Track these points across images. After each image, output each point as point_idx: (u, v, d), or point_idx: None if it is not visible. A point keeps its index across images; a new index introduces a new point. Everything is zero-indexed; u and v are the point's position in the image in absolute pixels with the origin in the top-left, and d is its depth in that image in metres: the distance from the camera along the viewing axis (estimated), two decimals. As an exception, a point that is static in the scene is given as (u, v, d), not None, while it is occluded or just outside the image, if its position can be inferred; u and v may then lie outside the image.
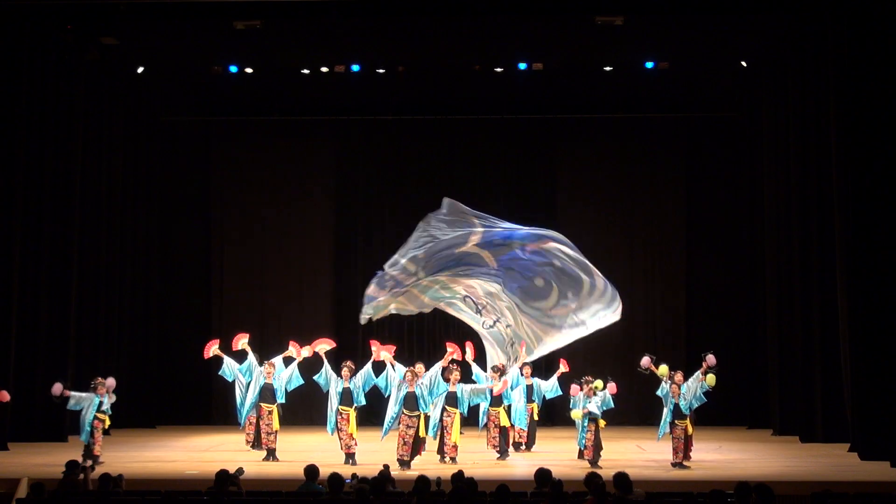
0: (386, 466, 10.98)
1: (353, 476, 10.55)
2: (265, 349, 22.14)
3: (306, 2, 16.92)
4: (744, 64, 19.97)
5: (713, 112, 21.83)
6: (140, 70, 20.11)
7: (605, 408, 14.83)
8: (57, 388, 14.76)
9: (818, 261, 17.47)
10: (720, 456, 15.57)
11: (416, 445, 14.48)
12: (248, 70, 20.37)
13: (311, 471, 10.59)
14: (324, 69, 20.29)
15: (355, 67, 20.24)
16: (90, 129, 18.96)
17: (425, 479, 10.01)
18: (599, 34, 18.05)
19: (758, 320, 20.48)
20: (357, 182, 22.51)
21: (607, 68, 20.27)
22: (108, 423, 14.99)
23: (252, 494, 10.42)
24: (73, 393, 14.79)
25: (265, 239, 22.56)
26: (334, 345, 15.83)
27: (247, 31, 17.56)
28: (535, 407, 16.33)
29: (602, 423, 14.76)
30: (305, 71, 20.44)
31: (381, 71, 20.47)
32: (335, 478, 9.85)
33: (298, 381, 15.59)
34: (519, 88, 21.20)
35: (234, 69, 20.33)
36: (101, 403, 14.73)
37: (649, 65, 20.09)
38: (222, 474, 10.36)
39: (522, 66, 20.17)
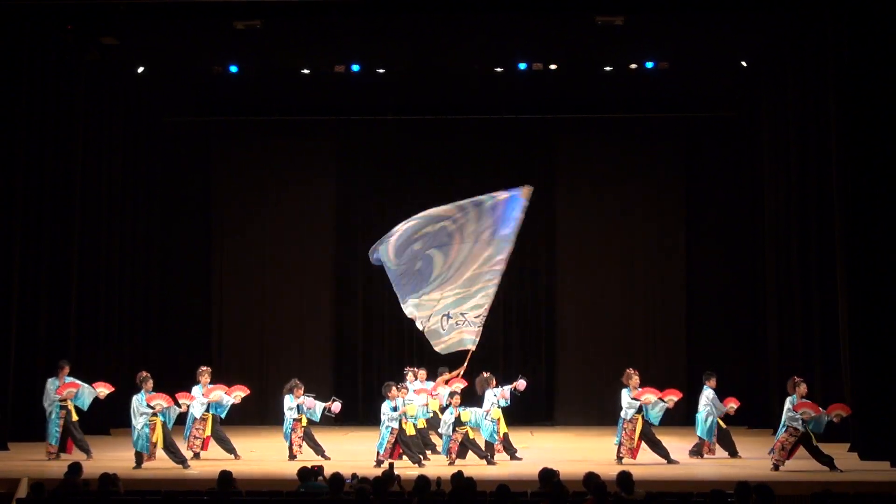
0: (391, 465, 11.00)
1: (354, 476, 10.56)
2: (265, 349, 22.28)
3: (306, 2, 16.91)
4: (744, 64, 19.97)
5: (713, 112, 21.84)
6: (140, 70, 20.11)
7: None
8: (336, 407, 15.56)
9: (818, 261, 17.46)
10: (720, 456, 15.56)
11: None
12: (249, 70, 20.38)
13: (306, 473, 10.64)
14: (324, 69, 20.30)
15: (355, 67, 20.24)
16: (90, 129, 18.95)
17: (425, 479, 10.02)
18: (599, 34, 18.04)
19: (758, 320, 20.48)
20: (357, 181, 22.52)
21: (607, 68, 20.26)
22: (304, 421, 15.39)
23: (252, 494, 10.43)
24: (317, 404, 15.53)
25: (265, 239, 22.57)
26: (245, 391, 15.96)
27: (247, 31, 17.54)
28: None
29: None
30: (305, 71, 20.45)
31: (381, 71, 20.47)
32: (336, 478, 9.87)
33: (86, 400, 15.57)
34: (519, 88, 21.20)
35: (234, 69, 20.33)
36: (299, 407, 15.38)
37: (649, 65, 20.09)
38: (225, 475, 10.37)
39: (522, 66, 20.18)
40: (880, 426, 14.92)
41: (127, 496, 10.54)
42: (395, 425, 14.49)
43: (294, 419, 15.30)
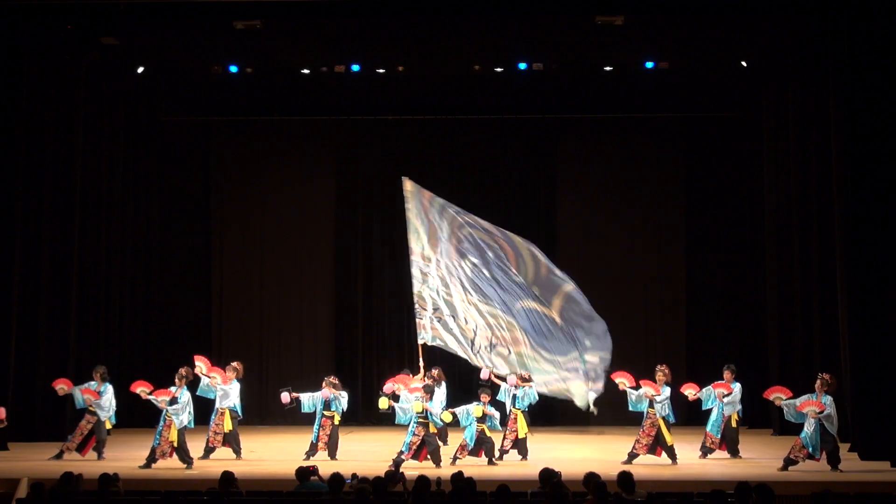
0: (397, 465, 11.01)
1: (353, 476, 10.56)
2: (265, 349, 22.27)
3: (306, 2, 16.92)
4: (744, 64, 19.98)
5: (713, 112, 21.82)
6: (140, 70, 20.12)
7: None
8: (285, 397, 15.42)
9: (818, 261, 17.47)
10: (720, 456, 15.56)
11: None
12: (249, 70, 20.38)
13: (303, 472, 10.65)
14: (324, 69, 20.30)
15: (355, 67, 20.23)
16: (90, 129, 18.94)
17: (425, 479, 10.02)
18: (599, 34, 18.04)
19: (758, 321, 20.47)
20: (357, 181, 22.52)
21: (607, 68, 20.26)
22: (337, 419, 15.33)
23: (252, 494, 10.43)
24: (302, 395, 15.38)
25: (265, 239, 22.56)
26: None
27: (247, 31, 17.54)
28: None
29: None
30: (305, 71, 20.45)
31: (381, 71, 20.46)
32: (335, 478, 9.87)
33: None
34: (519, 88, 21.19)
35: (234, 69, 20.33)
36: (327, 402, 15.26)
37: (649, 65, 20.09)
38: (227, 475, 10.37)
39: (522, 66, 20.17)
40: (880, 426, 14.94)
41: (127, 496, 10.54)
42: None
43: (325, 416, 15.30)
